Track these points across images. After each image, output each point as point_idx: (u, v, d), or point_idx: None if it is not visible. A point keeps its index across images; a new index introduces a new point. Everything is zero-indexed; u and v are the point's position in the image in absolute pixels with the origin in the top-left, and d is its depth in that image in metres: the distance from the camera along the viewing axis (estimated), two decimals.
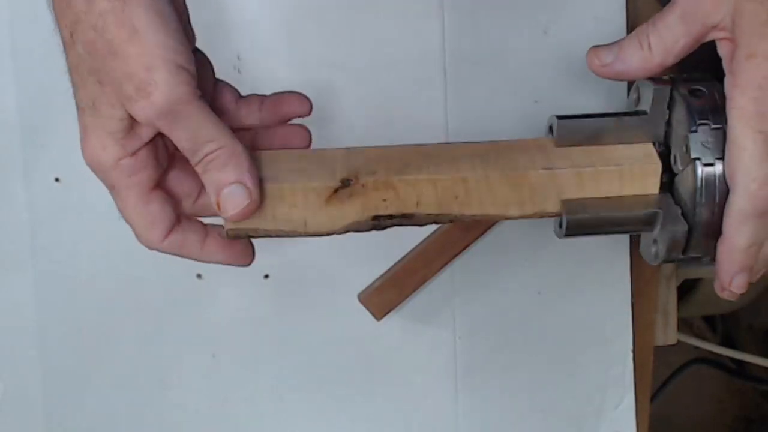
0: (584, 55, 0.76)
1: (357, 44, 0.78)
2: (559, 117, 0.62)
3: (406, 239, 0.78)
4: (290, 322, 0.80)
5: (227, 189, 0.56)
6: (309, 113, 0.62)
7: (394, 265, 0.78)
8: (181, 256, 0.60)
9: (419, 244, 0.78)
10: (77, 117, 0.56)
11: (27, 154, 0.78)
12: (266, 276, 0.80)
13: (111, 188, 0.57)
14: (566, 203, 0.61)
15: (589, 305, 0.81)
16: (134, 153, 0.56)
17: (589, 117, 0.63)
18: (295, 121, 0.64)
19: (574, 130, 0.62)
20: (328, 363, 0.81)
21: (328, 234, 0.59)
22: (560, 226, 0.62)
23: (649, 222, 0.62)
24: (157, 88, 0.53)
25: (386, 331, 0.80)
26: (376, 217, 0.59)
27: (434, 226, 0.77)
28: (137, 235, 0.59)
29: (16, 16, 0.77)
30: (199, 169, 0.56)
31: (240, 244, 0.61)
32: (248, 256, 0.61)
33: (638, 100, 0.64)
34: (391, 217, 0.60)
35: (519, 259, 0.80)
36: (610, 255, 0.81)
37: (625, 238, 0.80)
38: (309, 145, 0.62)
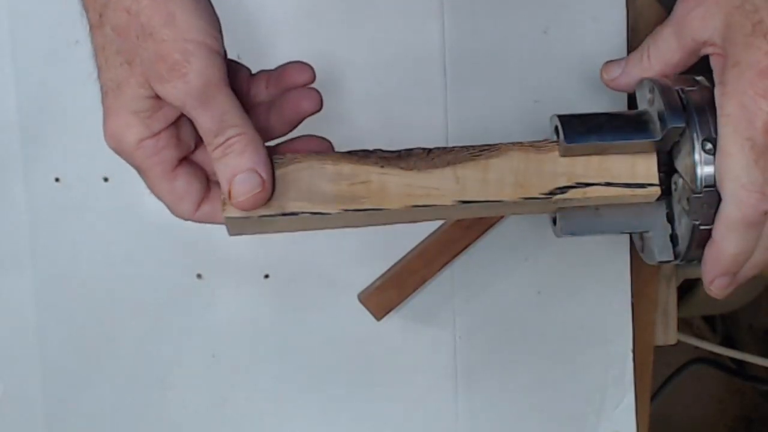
0: (584, 55, 0.77)
1: (357, 44, 0.78)
2: (563, 116, 0.61)
3: (406, 239, 0.78)
4: (290, 322, 0.80)
5: (241, 175, 0.56)
6: (313, 79, 0.62)
7: (394, 265, 0.78)
8: (216, 223, 0.60)
9: (419, 244, 0.78)
10: (101, 99, 0.56)
11: (27, 154, 0.78)
12: (266, 276, 0.80)
13: (136, 168, 0.58)
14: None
15: (589, 305, 0.81)
16: (157, 134, 0.57)
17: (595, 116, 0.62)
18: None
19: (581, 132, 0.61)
20: (328, 363, 0.81)
21: None
22: (554, 223, 0.62)
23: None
24: (192, 70, 0.54)
25: (386, 331, 0.80)
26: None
27: (434, 226, 0.77)
28: (169, 210, 0.59)
29: (16, 17, 0.77)
30: (217, 153, 0.56)
31: None
32: None
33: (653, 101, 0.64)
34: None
35: (519, 259, 0.80)
36: (610, 255, 0.81)
37: (625, 238, 0.80)
38: (320, 108, 0.62)
